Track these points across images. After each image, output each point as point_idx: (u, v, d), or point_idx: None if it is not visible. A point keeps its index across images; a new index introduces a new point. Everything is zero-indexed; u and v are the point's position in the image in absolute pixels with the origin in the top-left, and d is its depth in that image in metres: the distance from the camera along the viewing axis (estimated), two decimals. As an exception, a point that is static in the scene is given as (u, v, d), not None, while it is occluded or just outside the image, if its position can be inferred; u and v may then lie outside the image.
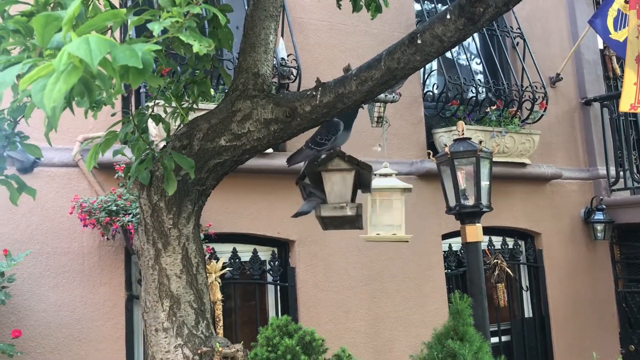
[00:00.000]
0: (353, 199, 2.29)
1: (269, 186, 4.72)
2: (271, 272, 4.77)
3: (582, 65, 6.47)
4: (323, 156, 2.36)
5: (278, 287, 4.80)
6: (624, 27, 5.80)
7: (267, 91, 2.18)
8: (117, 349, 4.06)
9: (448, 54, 5.86)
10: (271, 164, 4.64)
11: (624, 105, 5.60)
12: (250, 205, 4.66)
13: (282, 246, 4.86)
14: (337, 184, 2.22)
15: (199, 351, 1.98)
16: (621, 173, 6.16)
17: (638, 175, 6.32)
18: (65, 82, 0.79)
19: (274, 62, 4.66)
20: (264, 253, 4.80)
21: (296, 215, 2.46)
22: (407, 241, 3.63)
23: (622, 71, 5.96)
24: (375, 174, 3.57)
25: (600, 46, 6.70)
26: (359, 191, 2.60)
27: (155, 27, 0.92)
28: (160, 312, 2.03)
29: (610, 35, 5.96)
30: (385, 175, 3.69)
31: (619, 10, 5.83)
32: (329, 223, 2.37)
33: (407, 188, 3.62)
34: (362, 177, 2.32)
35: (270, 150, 4.56)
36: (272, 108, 2.12)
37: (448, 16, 1.93)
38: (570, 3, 6.59)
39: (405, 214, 3.65)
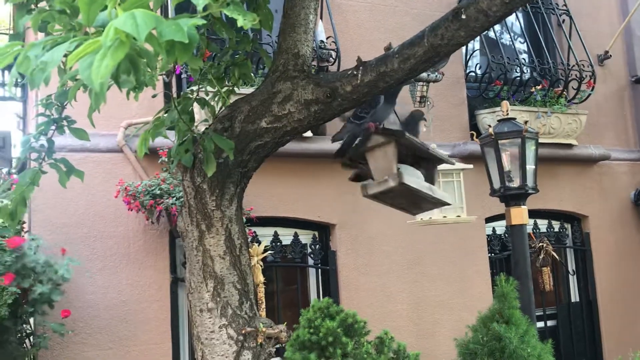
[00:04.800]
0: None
1: (309, 170, 4.72)
2: (312, 256, 4.78)
3: (633, 42, 6.22)
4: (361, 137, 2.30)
5: (319, 270, 4.81)
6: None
7: (308, 72, 2.16)
8: (163, 331, 4.15)
9: (491, 33, 5.72)
10: (311, 147, 4.63)
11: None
12: (291, 189, 4.67)
13: (323, 230, 4.86)
14: (380, 159, 2.17)
15: (242, 331, 2.00)
16: (674, 153, 5.93)
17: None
18: (113, 58, 0.80)
19: (313, 45, 4.63)
20: (305, 237, 4.82)
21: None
22: (464, 222, 3.56)
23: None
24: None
25: (653, 21, 6.42)
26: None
27: (200, 2, 0.91)
28: (204, 293, 2.05)
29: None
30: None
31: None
32: (389, 203, 2.30)
33: (466, 168, 3.56)
34: (412, 147, 2.22)
35: (310, 134, 4.56)
36: (313, 89, 2.10)
37: (494, -11, 1.86)
38: (620, -23, 6.33)
39: (463, 195, 3.57)
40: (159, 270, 4.21)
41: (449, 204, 2.22)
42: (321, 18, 4.83)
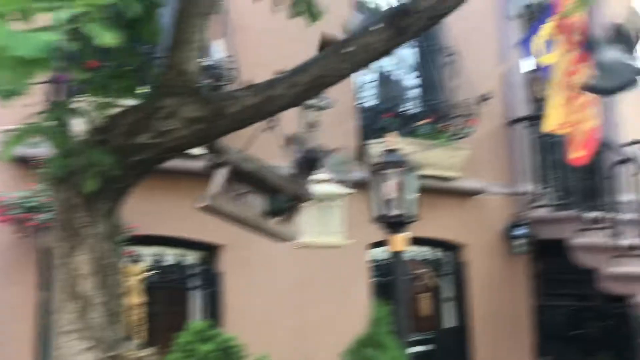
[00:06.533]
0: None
1: (199, 188, 4.61)
2: (197, 277, 4.68)
3: (510, 86, 6.73)
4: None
5: (204, 292, 4.71)
6: (550, 52, 6.09)
7: (194, 89, 2.14)
8: (27, 352, 3.86)
9: (385, 66, 5.98)
10: (197, 165, 4.55)
11: (548, 126, 5.87)
12: (179, 207, 4.55)
13: (210, 250, 4.78)
14: (216, 177, 2.22)
15: (108, 355, 1.91)
16: (541, 190, 6.44)
17: (556, 193, 6.63)
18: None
19: (212, 63, 4.61)
20: (191, 257, 4.71)
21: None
22: (341, 246, 3.65)
23: (547, 93, 6.25)
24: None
25: (528, 68, 6.99)
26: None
27: (61, 16, 0.87)
28: (69, 313, 1.94)
29: (538, 58, 6.23)
30: (324, 180, 3.71)
31: (546, 35, 6.11)
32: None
33: (346, 194, 3.65)
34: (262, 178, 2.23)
35: (201, 151, 4.48)
36: (198, 107, 2.09)
37: (377, 27, 1.97)
38: (501, 25, 6.86)
39: (343, 220, 3.66)
40: (27, 287, 3.92)
41: (285, 239, 2.28)
42: (222, 37, 4.81)
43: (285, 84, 2.07)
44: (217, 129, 2.14)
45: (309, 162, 2.35)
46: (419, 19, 1.96)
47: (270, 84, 2.08)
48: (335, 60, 2.02)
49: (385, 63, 6.14)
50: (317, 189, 3.20)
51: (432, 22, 2.02)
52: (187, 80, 2.13)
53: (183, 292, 4.67)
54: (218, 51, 4.63)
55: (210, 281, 4.71)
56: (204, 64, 4.46)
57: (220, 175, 2.24)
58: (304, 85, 2.06)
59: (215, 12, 2.28)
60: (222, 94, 2.15)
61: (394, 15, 1.97)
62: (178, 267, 4.58)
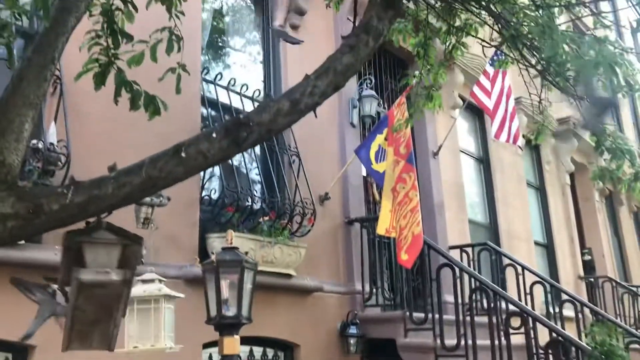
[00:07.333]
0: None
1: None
2: (0, 383, 4.11)
3: (348, 188, 7.12)
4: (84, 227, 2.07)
5: (6, 400, 4.13)
6: (383, 160, 6.61)
7: (11, 183, 1.97)
8: None
9: (230, 161, 6.04)
10: (22, 256, 4.14)
11: (381, 229, 6.26)
12: (-14, 302, 4.04)
13: (20, 352, 4.25)
14: (101, 254, 1.98)
15: None
16: (374, 290, 6.72)
17: (388, 293, 6.97)
18: None
19: (43, 146, 4.34)
20: (-6, 360, 4.15)
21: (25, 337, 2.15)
22: (168, 351, 3.44)
23: (381, 197, 6.71)
24: (138, 280, 3.40)
25: (364, 173, 7.49)
26: None
27: None
28: None
29: (372, 166, 6.72)
30: (150, 280, 3.53)
31: (379, 145, 6.65)
32: (86, 308, 2.08)
33: (176, 296, 3.49)
34: (128, 257, 2.09)
35: (21, 242, 4.09)
36: (13, 202, 1.92)
37: (214, 135, 2.00)
38: (341, 132, 7.34)
39: (172, 323, 3.48)
40: None
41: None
42: (55, 120, 4.57)
43: (115, 184, 1.99)
44: (35, 227, 1.98)
45: None
46: (257, 132, 2.02)
47: (97, 182, 1.99)
48: (171, 164, 2.00)
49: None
50: (142, 289, 3.05)
51: (269, 135, 2.10)
52: (4, 173, 1.97)
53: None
54: (49, 135, 4.38)
55: (16, 388, 4.16)
56: (33, 147, 4.19)
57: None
58: (135, 186, 1.99)
59: (42, 100, 2.15)
60: (43, 190, 2.01)
61: (232, 126, 2.02)
62: (-23, 371, 4.00)
